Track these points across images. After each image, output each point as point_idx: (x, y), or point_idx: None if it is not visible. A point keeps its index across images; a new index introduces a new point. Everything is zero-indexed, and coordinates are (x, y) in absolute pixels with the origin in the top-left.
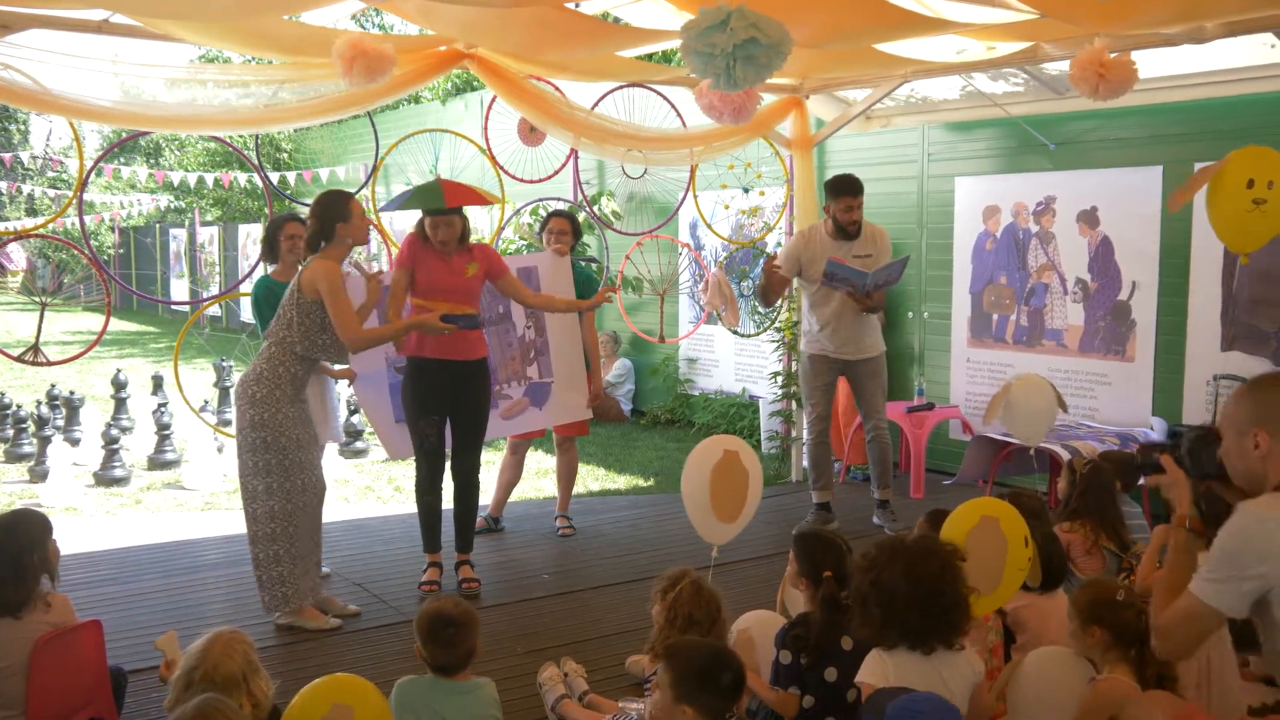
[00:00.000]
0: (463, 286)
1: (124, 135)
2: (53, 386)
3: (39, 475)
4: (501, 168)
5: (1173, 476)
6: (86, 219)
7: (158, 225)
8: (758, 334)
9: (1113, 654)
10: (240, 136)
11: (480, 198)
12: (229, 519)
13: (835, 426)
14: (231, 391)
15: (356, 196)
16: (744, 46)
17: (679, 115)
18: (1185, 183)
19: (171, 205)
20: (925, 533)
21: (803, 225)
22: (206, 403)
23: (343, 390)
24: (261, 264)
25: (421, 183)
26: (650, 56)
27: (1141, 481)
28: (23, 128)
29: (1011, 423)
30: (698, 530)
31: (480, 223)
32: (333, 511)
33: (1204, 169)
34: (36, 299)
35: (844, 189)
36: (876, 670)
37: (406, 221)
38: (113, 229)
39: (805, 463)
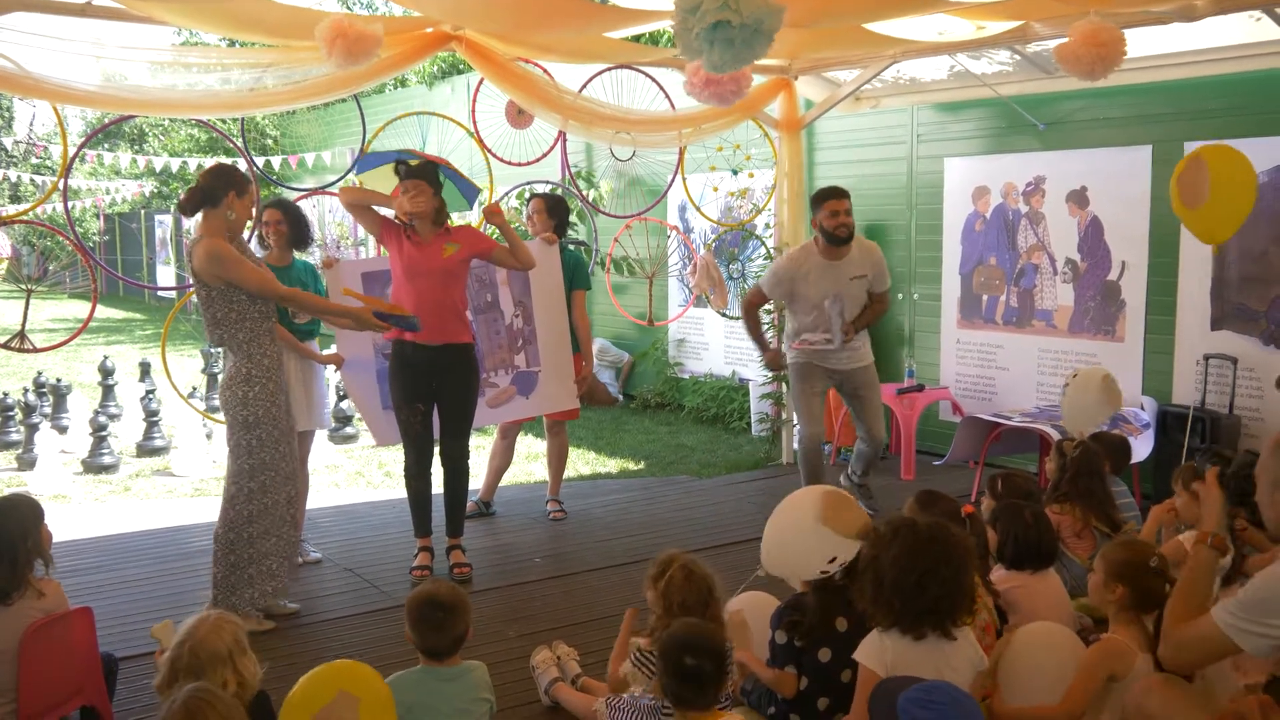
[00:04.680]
0: (440, 268)
1: (107, 120)
2: (39, 374)
3: (27, 463)
4: (489, 151)
5: (1209, 491)
6: (71, 205)
7: (143, 211)
8: None
9: (1126, 615)
10: (225, 121)
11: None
12: (218, 505)
13: (826, 413)
14: (219, 388)
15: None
16: (720, 29)
17: (667, 97)
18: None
19: (157, 191)
20: (936, 519)
21: (791, 207)
22: (195, 389)
23: (331, 376)
24: None
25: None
26: (639, 38)
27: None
28: (6, 113)
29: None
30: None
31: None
32: (322, 497)
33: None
34: (22, 286)
35: (826, 195)
36: (873, 651)
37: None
38: (98, 215)
39: (800, 466)
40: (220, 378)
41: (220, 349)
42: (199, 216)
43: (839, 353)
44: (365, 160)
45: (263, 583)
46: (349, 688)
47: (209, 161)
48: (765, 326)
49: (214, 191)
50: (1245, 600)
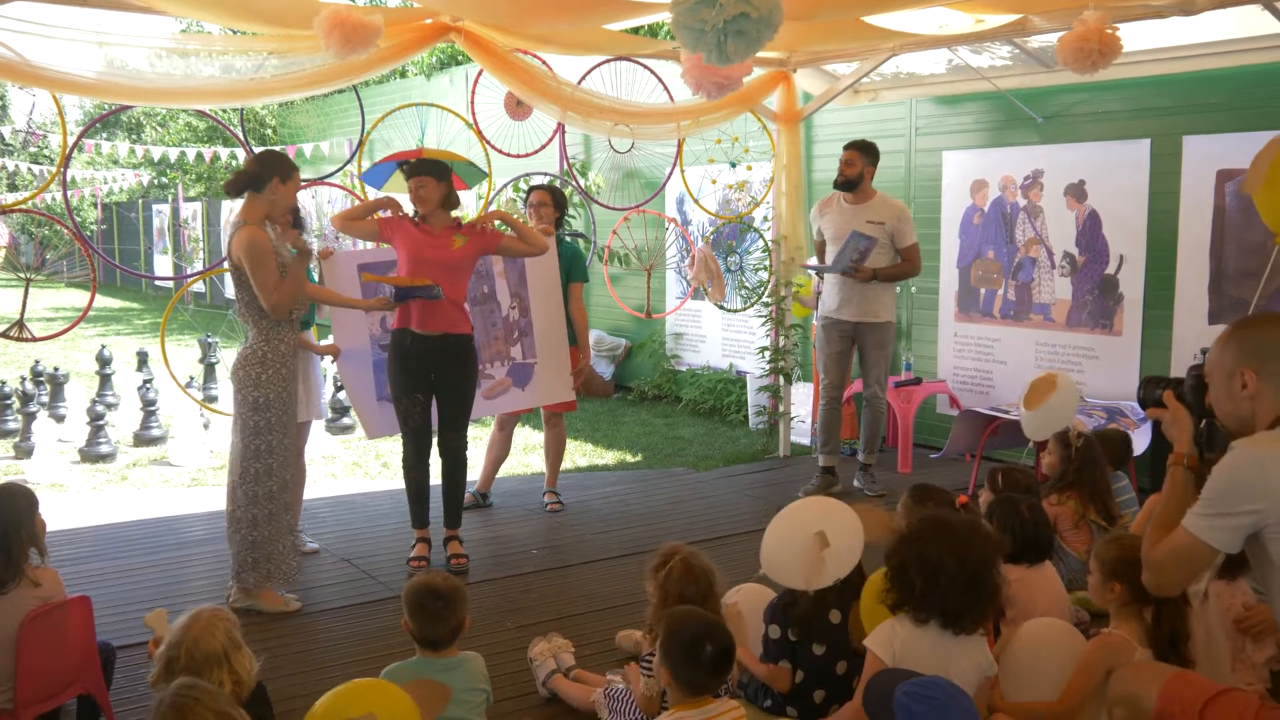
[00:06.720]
0: (446, 260)
1: (105, 110)
2: (37, 363)
3: (24, 451)
4: (488, 142)
5: (1174, 413)
6: (69, 194)
7: (141, 200)
8: (744, 309)
9: (1127, 610)
10: (224, 111)
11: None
12: (215, 495)
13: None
14: (219, 368)
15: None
16: (735, 21)
17: (666, 89)
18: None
19: (154, 181)
20: (971, 517)
21: (790, 200)
22: (192, 379)
23: (328, 367)
24: None
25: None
26: (637, 30)
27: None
28: (3, 102)
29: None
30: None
31: (466, 200)
32: (320, 488)
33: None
34: (20, 275)
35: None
36: (884, 639)
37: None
38: (96, 204)
39: (816, 425)
40: (236, 354)
41: (246, 327)
42: (239, 200)
43: (847, 303)
44: (371, 173)
45: (278, 561)
46: (378, 711)
47: (207, 151)
48: (763, 320)
49: (259, 177)
50: (1209, 495)
